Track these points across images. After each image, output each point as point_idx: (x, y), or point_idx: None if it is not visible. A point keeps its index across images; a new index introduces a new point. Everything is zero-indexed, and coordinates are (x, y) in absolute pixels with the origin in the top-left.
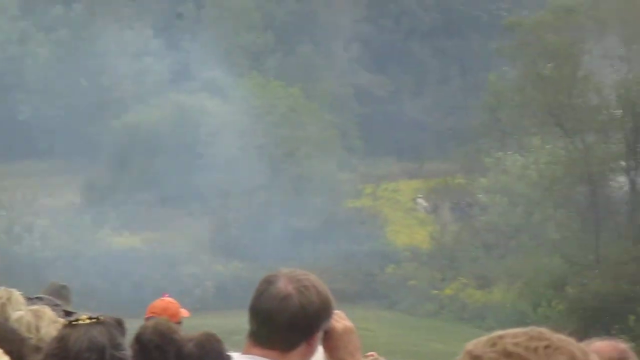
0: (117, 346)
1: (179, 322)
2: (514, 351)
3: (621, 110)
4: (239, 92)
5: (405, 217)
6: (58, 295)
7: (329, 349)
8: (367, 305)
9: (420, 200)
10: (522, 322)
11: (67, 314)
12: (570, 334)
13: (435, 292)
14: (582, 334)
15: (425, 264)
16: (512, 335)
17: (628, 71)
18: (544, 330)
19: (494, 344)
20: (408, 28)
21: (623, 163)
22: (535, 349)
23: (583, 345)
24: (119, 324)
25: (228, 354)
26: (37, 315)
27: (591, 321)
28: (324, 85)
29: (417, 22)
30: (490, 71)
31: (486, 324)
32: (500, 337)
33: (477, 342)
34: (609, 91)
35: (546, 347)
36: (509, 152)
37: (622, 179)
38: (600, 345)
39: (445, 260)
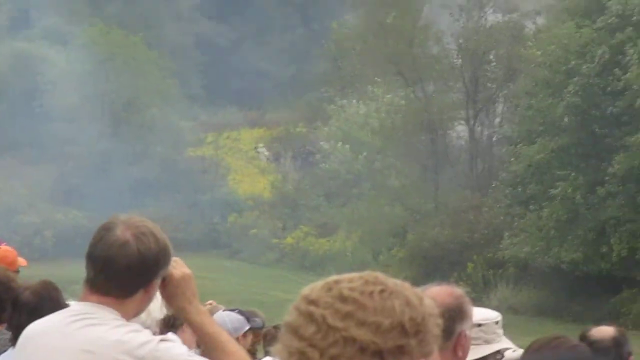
0: None
1: (16, 271)
2: (350, 295)
3: (460, 60)
4: (80, 40)
5: (247, 166)
6: None
7: (167, 296)
8: (208, 254)
9: (261, 149)
10: (363, 270)
11: None
12: (407, 280)
13: (277, 240)
14: (422, 281)
15: (267, 212)
16: (348, 279)
17: (467, 20)
18: (380, 275)
19: (329, 289)
20: None
21: (462, 112)
22: (371, 293)
23: (418, 290)
24: None
25: (67, 302)
26: None
27: (431, 269)
28: (165, 34)
29: None
30: (333, 19)
31: (327, 272)
32: (336, 281)
33: (313, 287)
34: (448, 40)
35: (381, 291)
36: (352, 101)
37: (461, 128)
38: (436, 290)
39: (287, 209)
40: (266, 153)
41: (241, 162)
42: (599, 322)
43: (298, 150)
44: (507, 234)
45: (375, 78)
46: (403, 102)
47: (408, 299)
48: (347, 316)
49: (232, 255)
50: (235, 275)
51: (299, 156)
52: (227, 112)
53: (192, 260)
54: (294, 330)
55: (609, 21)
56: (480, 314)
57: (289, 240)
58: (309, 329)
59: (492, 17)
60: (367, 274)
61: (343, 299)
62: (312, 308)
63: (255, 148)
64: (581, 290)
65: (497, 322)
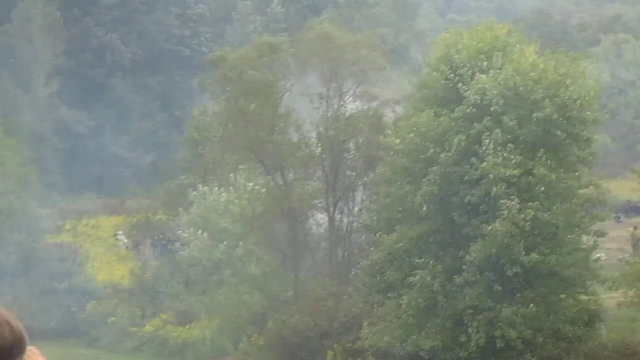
0: None
1: None
2: None
3: (320, 148)
4: None
5: (106, 253)
6: None
7: None
8: (66, 342)
9: (121, 236)
10: (222, 357)
11: None
12: None
13: (135, 328)
14: None
15: (126, 300)
16: None
17: (327, 109)
18: None
19: None
20: (110, 63)
21: (322, 200)
22: None
23: None
24: None
25: None
26: None
27: (290, 356)
28: (23, 121)
29: (119, 57)
30: (193, 106)
31: None
32: None
33: None
34: (308, 128)
35: None
36: (213, 188)
37: (321, 216)
38: None
39: (146, 297)
40: (125, 240)
41: (100, 250)
42: None
43: (157, 237)
44: (366, 322)
45: (238, 165)
46: (263, 189)
47: None
48: None
49: (91, 344)
50: None
51: (159, 243)
52: (86, 199)
53: (49, 349)
54: None
55: (467, 111)
56: None
57: (148, 328)
58: None
59: (352, 106)
60: None
61: None
62: None
63: (115, 235)
64: None
65: None
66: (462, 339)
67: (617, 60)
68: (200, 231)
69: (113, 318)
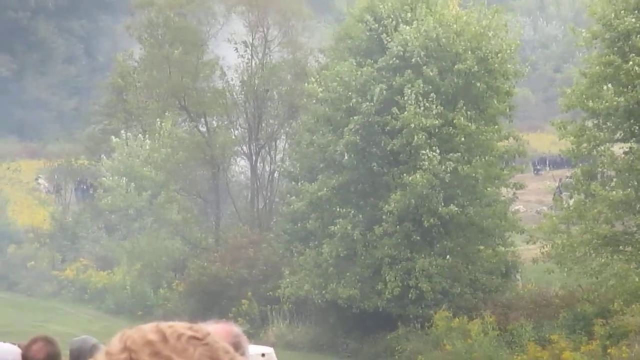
0: None
1: None
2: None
3: (243, 96)
4: None
5: (26, 197)
6: None
7: None
8: None
9: (42, 180)
10: (142, 303)
11: None
12: (186, 314)
13: (56, 272)
14: (201, 316)
15: (46, 244)
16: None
17: (251, 57)
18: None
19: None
20: (33, 6)
21: (245, 148)
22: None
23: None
24: None
25: None
26: None
27: (210, 303)
28: None
29: (43, 1)
30: (117, 51)
31: (106, 305)
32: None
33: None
34: (233, 76)
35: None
36: (137, 134)
37: (243, 164)
38: (213, 328)
39: (67, 242)
40: (46, 184)
41: (21, 193)
42: (374, 357)
43: (79, 182)
44: (286, 270)
45: (163, 112)
46: (186, 136)
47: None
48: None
49: (9, 287)
50: (12, 307)
51: (80, 189)
52: (6, 142)
53: None
54: None
55: (390, 62)
56: (253, 349)
57: (68, 272)
58: None
59: (277, 55)
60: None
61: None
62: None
63: (36, 179)
64: (357, 327)
65: (263, 355)
66: (379, 287)
67: (540, 14)
68: (122, 178)
69: (32, 262)
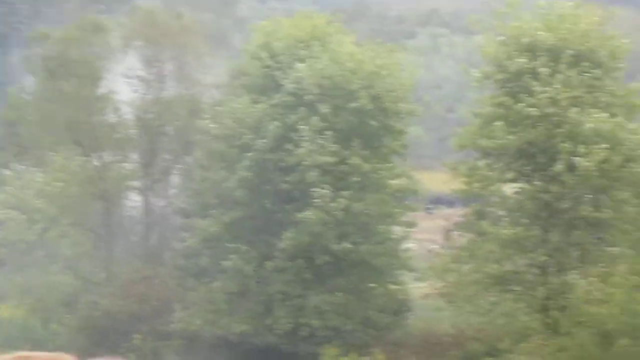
0: None
1: None
2: None
3: (137, 131)
4: None
5: None
6: None
7: None
8: None
9: None
10: (31, 338)
11: None
12: (76, 350)
13: None
14: (92, 351)
15: None
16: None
17: (146, 92)
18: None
19: None
20: None
21: (138, 183)
22: None
23: None
24: None
25: None
26: None
27: (101, 338)
28: None
29: None
30: (11, 84)
31: None
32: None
33: None
34: (127, 110)
35: None
36: (28, 167)
37: (137, 199)
38: None
39: None
40: None
41: None
42: None
43: None
44: (178, 306)
45: (56, 146)
46: (80, 170)
47: None
48: None
49: None
50: None
51: None
52: None
53: None
54: None
55: (284, 99)
56: None
57: None
58: None
59: (172, 90)
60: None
61: None
62: None
63: None
64: None
65: None
66: (270, 322)
67: (434, 54)
68: (14, 211)
69: None
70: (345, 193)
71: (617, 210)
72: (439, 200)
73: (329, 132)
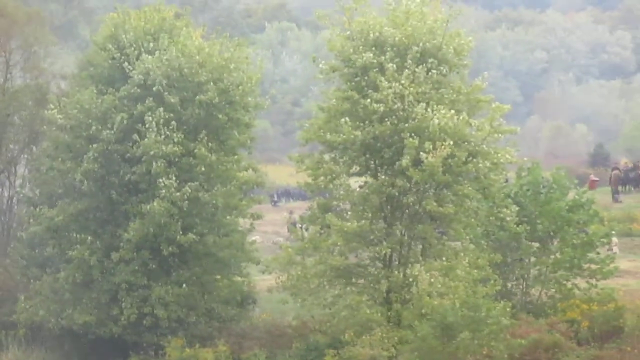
0: None
1: None
2: None
3: None
4: None
5: None
6: None
7: None
8: None
9: None
10: None
11: None
12: None
13: None
14: None
15: None
16: None
17: None
18: None
19: None
20: None
21: None
22: None
23: None
24: None
25: None
26: None
27: None
28: None
29: None
30: None
31: None
32: None
33: None
34: None
35: None
36: None
37: None
38: None
39: None
40: None
41: None
42: None
43: None
44: (22, 296)
45: None
46: None
47: None
48: None
49: None
50: None
51: None
52: None
53: None
54: None
55: (132, 90)
56: None
57: None
58: None
59: (19, 80)
60: None
61: None
62: None
63: None
64: (93, 353)
65: None
66: (115, 313)
67: (281, 48)
68: None
69: None
70: (191, 184)
71: (460, 205)
72: (284, 193)
73: (175, 124)
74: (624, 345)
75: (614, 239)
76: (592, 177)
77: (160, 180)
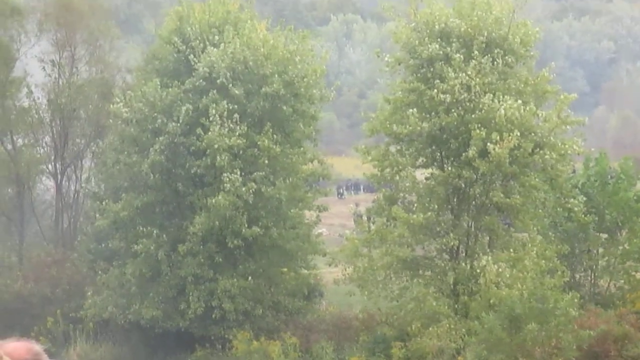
0: None
1: None
2: None
3: (50, 114)
4: None
5: None
6: None
7: None
8: None
9: None
10: None
11: None
12: None
13: None
14: (2, 335)
15: None
16: None
17: (59, 76)
18: None
19: None
20: None
21: (50, 166)
22: None
23: None
24: None
25: None
26: None
27: (12, 321)
28: None
29: None
30: None
31: None
32: None
33: None
34: (40, 94)
35: None
36: None
37: (48, 183)
38: (14, 346)
39: None
40: None
41: None
42: None
43: None
44: (89, 290)
45: None
46: None
47: None
48: None
49: None
50: None
51: None
52: None
53: None
54: None
55: (197, 83)
56: None
57: None
58: None
59: (84, 74)
60: None
61: None
62: None
63: None
64: (160, 347)
65: None
66: (182, 307)
67: (346, 40)
68: None
69: None
70: (255, 176)
71: (527, 196)
72: (350, 186)
73: (239, 116)
74: None
75: None
76: None
77: (225, 174)
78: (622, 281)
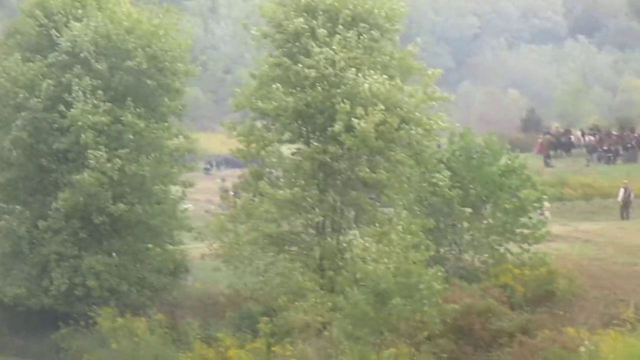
0: None
1: None
2: None
3: None
4: None
5: None
6: None
7: None
8: None
9: None
10: None
11: None
12: None
13: None
14: None
15: None
16: None
17: None
18: None
19: None
20: None
21: None
22: None
23: None
24: None
25: None
26: None
27: None
28: None
29: None
30: None
31: None
32: None
33: None
34: None
35: None
36: None
37: None
38: None
39: None
40: None
41: None
42: (40, 356)
43: None
44: None
45: None
46: None
47: None
48: None
49: None
50: None
51: None
52: None
53: None
54: None
55: (59, 58)
56: None
57: None
58: None
59: None
60: None
61: None
62: None
63: None
64: (23, 325)
65: None
66: (45, 284)
67: (211, 15)
68: None
69: None
70: (120, 153)
71: (393, 171)
72: (218, 162)
73: (102, 92)
74: (556, 309)
75: (546, 204)
76: (540, 140)
77: (90, 151)
78: (487, 255)
